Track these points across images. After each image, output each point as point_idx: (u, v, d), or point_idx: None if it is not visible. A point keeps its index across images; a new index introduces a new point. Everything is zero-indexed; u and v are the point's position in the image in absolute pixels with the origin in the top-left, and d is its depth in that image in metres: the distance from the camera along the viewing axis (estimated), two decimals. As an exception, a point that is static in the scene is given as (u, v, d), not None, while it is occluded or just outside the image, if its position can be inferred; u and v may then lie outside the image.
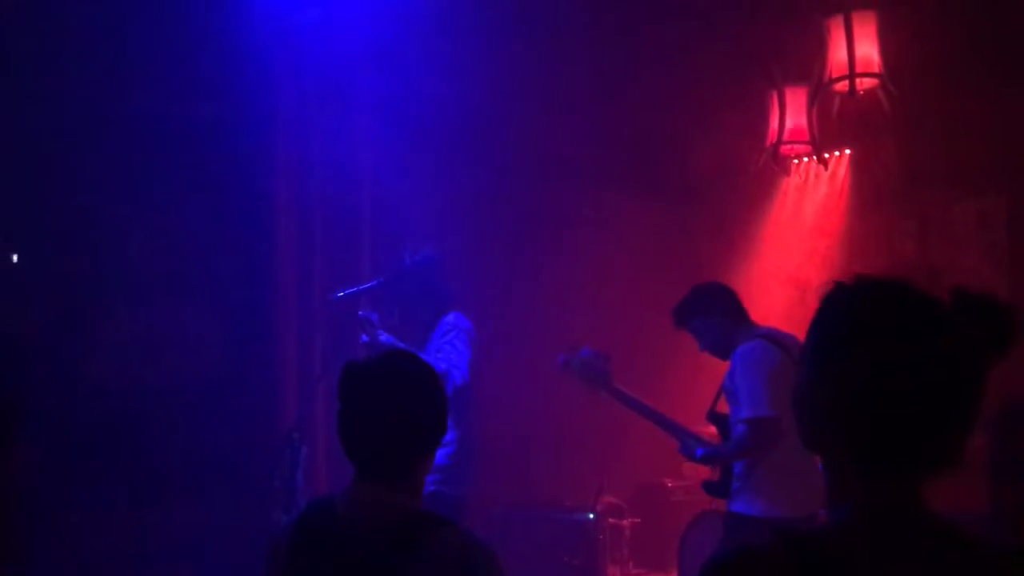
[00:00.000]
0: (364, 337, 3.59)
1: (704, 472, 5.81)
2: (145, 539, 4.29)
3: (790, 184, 6.40)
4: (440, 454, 3.68)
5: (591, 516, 5.35)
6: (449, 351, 3.68)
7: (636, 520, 6.15)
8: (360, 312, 3.69)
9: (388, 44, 4.90)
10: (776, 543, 1.05)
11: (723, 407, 3.42)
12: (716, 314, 3.32)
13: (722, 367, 3.43)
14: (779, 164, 5.47)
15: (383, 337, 3.58)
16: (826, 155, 5.85)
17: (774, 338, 3.19)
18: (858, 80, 4.26)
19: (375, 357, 1.75)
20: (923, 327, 1.05)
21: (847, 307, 1.10)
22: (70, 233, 4.43)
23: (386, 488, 1.66)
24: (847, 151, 6.10)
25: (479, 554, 1.61)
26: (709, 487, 3.51)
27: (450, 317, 3.82)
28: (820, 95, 4.53)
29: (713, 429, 3.65)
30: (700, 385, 3.96)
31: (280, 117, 4.78)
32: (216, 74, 4.57)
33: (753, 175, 5.83)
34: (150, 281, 4.56)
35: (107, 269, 4.50)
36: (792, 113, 5.01)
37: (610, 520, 5.82)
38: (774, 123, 5.08)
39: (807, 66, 4.83)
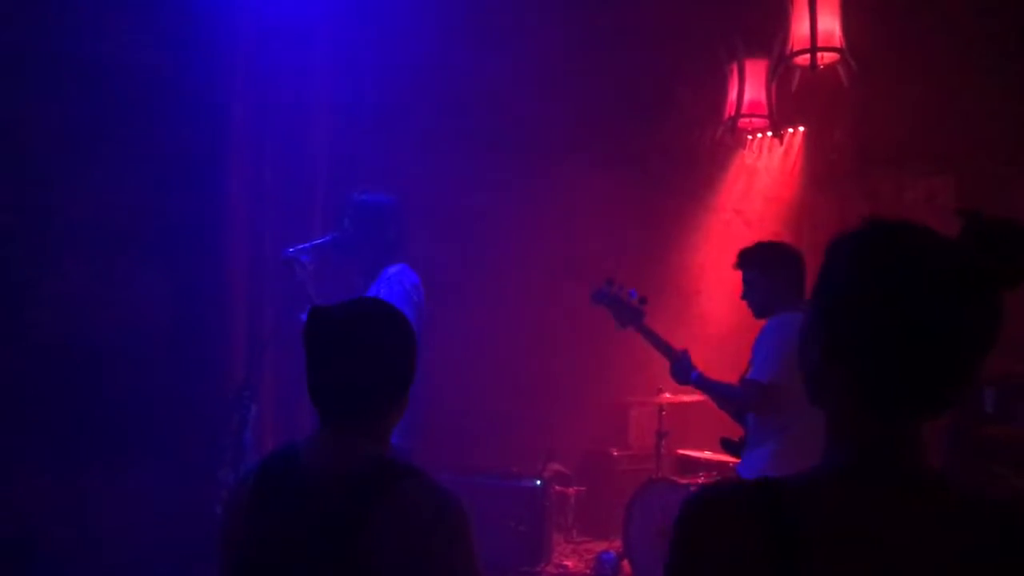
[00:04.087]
0: (298, 277, 3.52)
1: (647, 446, 5.88)
2: (87, 500, 4.16)
3: (745, 159, 6.45)
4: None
5: (538, 483, 5.36)
6: None
7: (581, 488, 6.19)
8: (288, 250, 3.59)
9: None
10: (751, 486, 1.03)
11: None
12: (781, 279, 3.27)
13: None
14: (735, 138, 5.49)
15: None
16: (782, 131, 5.90)
17: None
18: (819, 55, 4.26)
19: (343, 302, 1.68)
20: (933, 260, 1.02)
21: (856, 247, 1.08)
22: (6, 182, 4.24)
23: (354, 436, 1.61)
24: (801, 128, 6.16)
25: (448, 505, 1.57)
26: (727, 444, 3.53)
27: (395, 269, 3.63)
28: (780, 69, 4.53)
29: None
30: (638, 352, 3.98)
31: (234, 69, 4.62)
32: (169, 19, 4.40)
33: (710, 148, 5.85)
34: (94, 234, 4.38)
35: (48, 221, 4.32)
36: (751, 86, 5.01)
37: (556, 488, 5.85)
38: (733, 95, 5.08)
39: (768, 39, 4.84)
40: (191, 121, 4.41)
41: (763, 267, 3.31)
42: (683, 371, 3.42)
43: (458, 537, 1.57)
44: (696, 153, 6.07)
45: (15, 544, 3.95)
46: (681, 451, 5.74)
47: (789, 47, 4.38)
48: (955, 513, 1.00)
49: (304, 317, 1.68)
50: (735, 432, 3.48)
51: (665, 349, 3.51)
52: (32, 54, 4.19)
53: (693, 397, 5.37)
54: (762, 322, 3.30)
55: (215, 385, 4.30)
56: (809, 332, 1.10)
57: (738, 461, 3.41)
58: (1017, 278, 1.00)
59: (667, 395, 5.37)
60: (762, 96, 5.00)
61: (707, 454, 5.50)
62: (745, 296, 3.39)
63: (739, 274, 3.41)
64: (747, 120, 5.12)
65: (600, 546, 5.78)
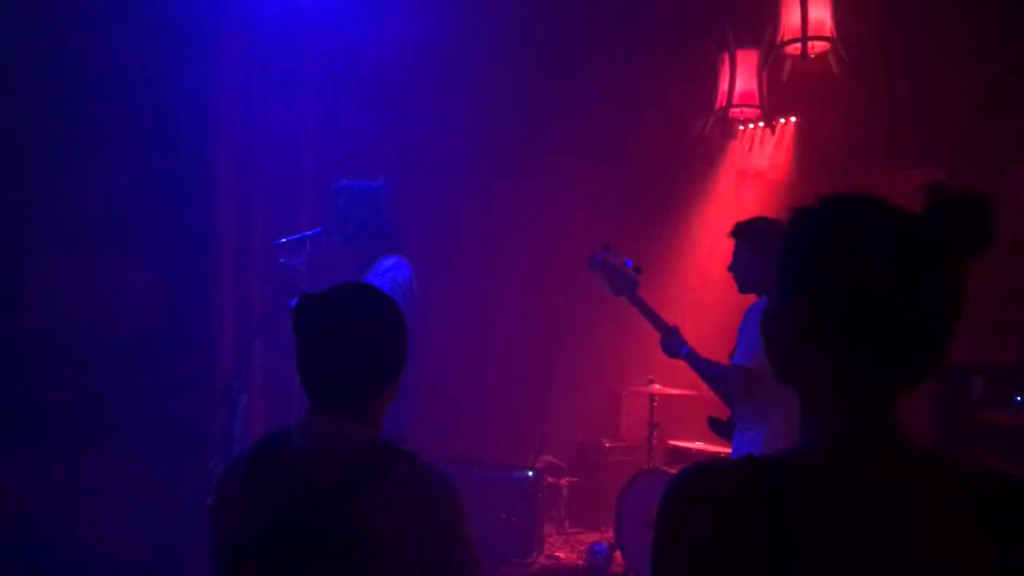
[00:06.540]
0: (292, 280, 3.50)
1: (639, 437, 5.88)
2: (78, 491, 4.15)
3: (736, 149, 6.45)
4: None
5: (530, 474, 5.36)
6: None
7: (573, 479, 6.20)
8: (280, 260, 3.55)
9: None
10: (738, 463, 1.02)
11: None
12: (764, 255, 3.24)
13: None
14: (727, 128, 5.48)
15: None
16: (773, 122, 5.90)
17: None
18: (809, 44, 4.25)
19: (332, 288, 1.67)
20: (896, 231, 1.01)
21: (817, 222, 1.07)
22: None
23: (346, 420, 1.60)
24: (793, 119, 6.15)
25: (443, 488, 1.58)
26: (715, 423, 3.50)
27: (390, 261, 3.56)
28: (771, 58, 4.52)
29: None
30: (630, 345, 3.94)
31: (222, 61, 4.60)
32: (158, 15, 4.37)
33: (700, 139, 5.84)
34: (82, 228, 4.37)
35: (36, 215, 4.30)
36: (743, 76, 5.00)
37: (548, 479, 5.85)
38: (724, 85, 5.07)
39: (759, 30, 4.83)
40: (179, 115, 4.39)
41: (755, 241, 3.28)
42: (674, 344, 3.39)
43: (455, 519, 1.58)
44: (688, 144, 6.05)
45: (5, 536, 3.93)
46: (673, 442, 5.74)
47: (780, 36, 4.38)
48: (949, 480, 1.00)
49: (294, 304, 1.67)
50: (724, 415, 3.48)
51: (656, 320, 3.47)
52: (19, 51, 4.17)
53: (684, 389, 5.38)
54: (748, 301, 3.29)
55: (204, 376, 4.29)
56: (779, 310, 1.09)
57: (727, 445, 3.41)
58: (979, 245, 1.00)
59: (658, 386, 5.37)
60: (754, 86, 5.00)
61: (699, 445, 5.50)
62: (732, 267, 3.36)
63: (732, 273, 3.39)
64: (738, 110, 5.10)
65: (592, 537, 5.79)
